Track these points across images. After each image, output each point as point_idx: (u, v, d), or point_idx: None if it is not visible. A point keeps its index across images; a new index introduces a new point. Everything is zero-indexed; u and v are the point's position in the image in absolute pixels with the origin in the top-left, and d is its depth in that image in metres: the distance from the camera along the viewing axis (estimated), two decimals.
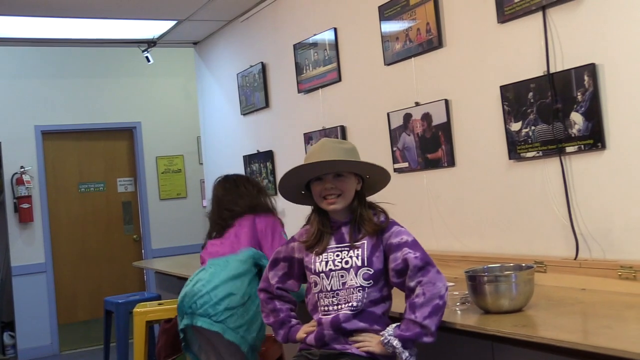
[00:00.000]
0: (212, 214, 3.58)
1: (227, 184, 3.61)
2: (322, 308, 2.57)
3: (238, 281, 3.24)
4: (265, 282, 2.80)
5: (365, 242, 2.53)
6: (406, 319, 2.38)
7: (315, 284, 2.60)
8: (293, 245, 2.73)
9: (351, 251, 2.53)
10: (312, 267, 2.60)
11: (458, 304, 2.67)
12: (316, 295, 2.60)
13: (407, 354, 2.37)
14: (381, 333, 2.43)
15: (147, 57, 6.69)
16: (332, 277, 2.54)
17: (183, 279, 4.86)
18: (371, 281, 2.50)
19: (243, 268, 3.29)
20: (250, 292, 3.23)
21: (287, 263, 2.75)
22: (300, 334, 2.65)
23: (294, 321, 2.73)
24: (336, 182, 2.53)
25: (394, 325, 2.43)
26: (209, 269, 3.32)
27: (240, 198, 3.51)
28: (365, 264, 2.50)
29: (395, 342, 2.37)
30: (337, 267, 2.54)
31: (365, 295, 2.50)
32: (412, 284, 2.41)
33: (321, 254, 2.58)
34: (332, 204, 2.54)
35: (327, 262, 2.57)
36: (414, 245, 2.46)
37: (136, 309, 4.40)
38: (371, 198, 2.66)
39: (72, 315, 7.90)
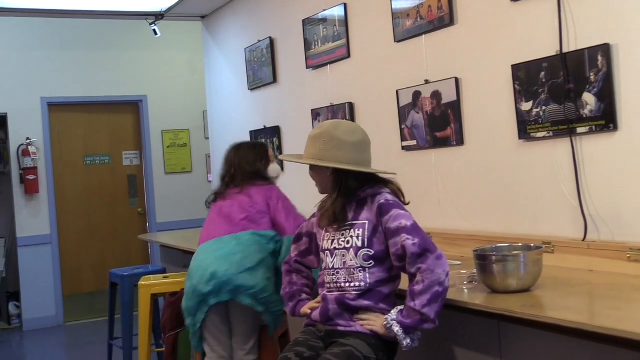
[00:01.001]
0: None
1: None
2: (327, 285, 2.60)
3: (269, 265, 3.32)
4: (289, 255, 2.89)
5: (367, 222, 2.54)
6: (407, 306, 2.40)
7: (322, 261, 2.63)
8: (313, 220, 2.77)
9: (352, 231, 2.55)
10: (321, 244, 2.65)
11: (465, 282, 2.67)
12: (323, 272, 2.63)
13: (408, 340, 2.40)
14: (385, 317, 2.44)
15: (154, 30, 6.66)
16: (335, 255, 2.58)
17: (188, 253, 4.88)
18: (372, 262, 2.51)
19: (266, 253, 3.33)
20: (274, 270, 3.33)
21: (309, 238, 2.80)
22: (305, 309, 2.69)
23: (304, 296, 2.78)
24: (312, 172, 2.67)
25: (397, 308, 2.44)
26: (241, 246, 3.30)
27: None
28: (366, 245, 2.52)
29: (397, 329, 2.39)
30: (340, 247, 2.57)
31: (368, 276, 2.51)
32: (412, 270, 2.42)
33: (329, 231, 2.61)
34: (317, 187, 2.68)
35: (332, 241, 2.60)
36: (413, 230, 2.44)
37: (141, 282, 4.41)
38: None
39: (77, 286, 7.94)
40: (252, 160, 3.52)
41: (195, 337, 3.38)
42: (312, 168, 2.63)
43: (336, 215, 2.56)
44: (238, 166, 3.50)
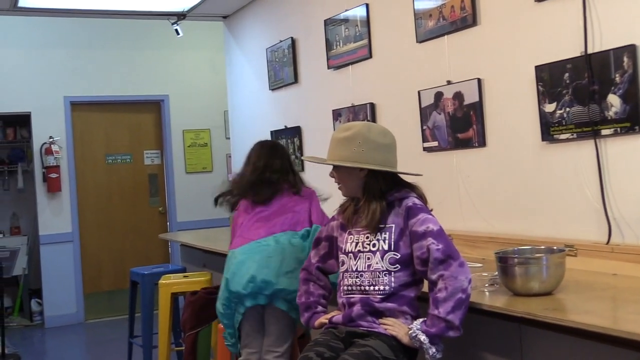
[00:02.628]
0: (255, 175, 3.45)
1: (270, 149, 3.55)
2: (345, 288, 2.58)
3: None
4: (307, 261, 2.87)
5: (394, 226, 2.53)
6: (430, 314, 2.39)
7: (343, 263, 2.63)
8: (332, 224, 2.76)
9: (379, 234, 2.53)
10: (343, 246, 2.63)
11: (487, 285, 2.65)
12: (342, 274, 2.62)
13: (434, 349, 2.38)
14: (409, 326, 2.43)
15: (176, 30, 6.69)
16: (359, 257, 2.56)
17: (208, 252, 4.90)
18: (398, 265, 2.50)
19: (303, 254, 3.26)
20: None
21: (328, 242, 2.79)
22: (320, 322, 2.69)
23: (319, 308, 2.76)
24: (335, 172, 2.65)
25: (420, 320, 2.43)
26: (279, 248, 3.24)
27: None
28: (392, 249, 2.51)
29: (423, 338, 2.37)
30: (365, 249, 2.56)
31: (394, 279, 2.50)
32: (433, 277, 2.41)
33: (352, 234, 2.60)
34: (340, 190, 2.67)
35: (356, 243, 2.59)
36: (439, 235, 2.44)
37: (162, 281, 4.43)
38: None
39: (97, 284, 7.99)
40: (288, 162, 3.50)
41: (233, 339, 3.34)
42: (341, 169, 2.60)
43: (375, 219, 2.54)
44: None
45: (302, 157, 3.00)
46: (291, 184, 3.40)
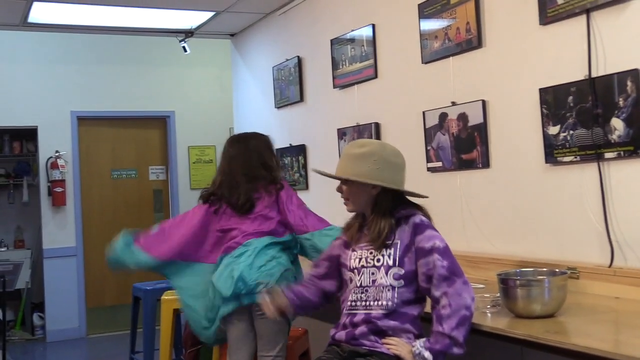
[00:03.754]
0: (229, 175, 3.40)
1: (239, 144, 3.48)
2: (349, 303, 2.58)
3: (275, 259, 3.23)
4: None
5: (399, 242, 2.54)
6: (434, 331, 2.39)
7: (351, 281, 2.62)
8: (335, 243, 2.78)
9: (384, 250, 2.54)
10: (348, 263, 2.64)
11: (489, 306, 2.65)
12: (349, 291, 2.62)
13: None
14: (413, 344, 2.43)
15: (184, 47, 6.73)
16: (363, 273, 2.57)
17: None
18: (402, 281, 2.50)
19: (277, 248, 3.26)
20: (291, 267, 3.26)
21: (328, 262, 2.80)
22: (273, 301, 2.80)
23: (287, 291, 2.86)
24: (344, 187, 2.64)
25: (423, 339, 2.44)
26: (250, 251, 3.23)
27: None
28: (397, 264, 2.51)
29: (427, 354, 2.37)
30: (369, 265, 2.57)
31: (397, 295, 2.50)
32: (437, 293, 2.42)
33: (356, 250, 2.61)
34: (345, 205, 2.66)
35: (360, 259, 2.59)
36: (445, 252, 2.46)
37: (164, 297, 4.43)
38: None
39: (100, 299, 7.98)
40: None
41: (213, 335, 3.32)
42: (352, 185, 2.60)
43: (382, 235, 2.55)
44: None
45: (313, 169, 3.02)
46: (267, 182, 3.35)
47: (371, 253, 2.57)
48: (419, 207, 2.64)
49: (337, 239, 2.79)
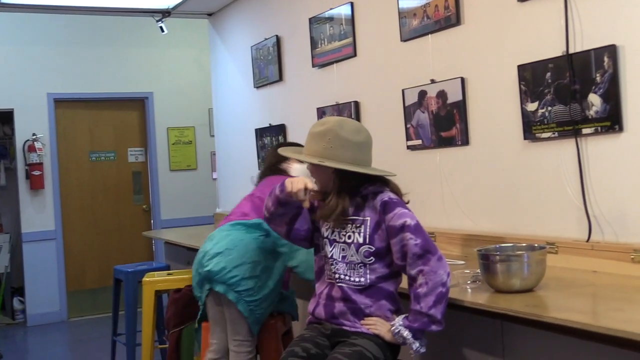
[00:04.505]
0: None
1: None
2: (327, 274, 2.61)
3: (248, 250, 3.23)
4: None
5: (369, 219, 2.54)
6: (412, 309, 2.41)
7: (322, 248, 2.63)
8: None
9: (352, 226, 2.56)
10: (322, 229, 2.64)
11: (469, 282, 2.67)
12: (322, 258, 2.63)
13: (417, 344, 2.41)
14: (391, 323, 2.45)
15: (161, 27, 6.66)
16: (334, 246, 2.59)
17: (192, 250, 4.89)
18: (372, 258, 2.52)
19: (251, 236, 3.26)
20: (264, 264, 3.22)
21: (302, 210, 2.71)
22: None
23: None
24: (313, 168, 2.62)
25: (402, 316, 2.46)
26: (225, 234, 3.28)
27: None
28: (367, 242, 2.53)
29: (406, 333, 2.40)
30: (340, 240, 2.58)
31: (369, 271, 2.52)
32: (412, 272, 2.43)
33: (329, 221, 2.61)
34: (316, 185, 2.62)
35: (333, 231, 2.60)
36: (416, 230, 2.46)
37: (145, 279, 4.42)
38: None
39: (81, 282, 7.96)
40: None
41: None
42: (314, 165, 2.60)
43: (345, 212, 2.55)
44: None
45: (279, 150, 2.99)
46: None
47: (343, 228, 2.58)
48: (387, 182, 2.62)
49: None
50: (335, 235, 2.60)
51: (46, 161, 7.61)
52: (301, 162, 2.94)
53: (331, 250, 2.59)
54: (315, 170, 2.61)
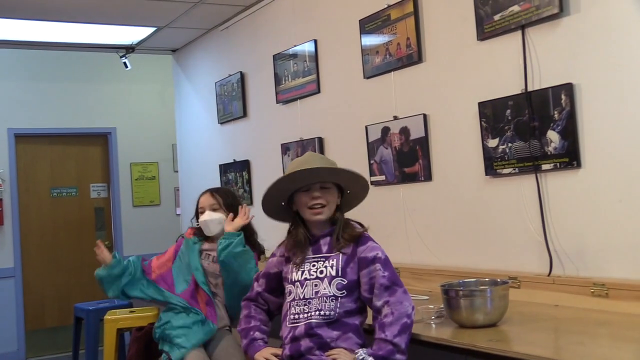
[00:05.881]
0: None
1: None
2: (292, 316, 2.59)
3: None
4: (250, 291, 2.86)
5: (340, 254, 2.57)
6: (377, 338, 2.43)
7: (290, 293, 2.64)
8: (272, 260, 2.77)
9: (326, 261, 2.58)
10: (289, 276, 2.64)
11: (433, 317, 2.68)
12: (288, 304, 2.63)
13: None
14: (356, 351, 2.45)
15: (125, 63, 6.66)
16: (306, 285, 2.59)
17: None
18: (344, 291, 2.53)
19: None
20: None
21: (266, 279, 2.78)
22: (261, 355, 2.63)
23: (258, 335, 2.72)
24: (322, 192, 2.61)
25: (366, 348, 2.46)
26: None
27: None
28: (340, 274, 2.55)
29: None
30: (312, 277, 2.59)
31: (339, 305, 2.52)
32: (378, 303, 2.46)
33: (299, 264, 2.61)
34: (318, 214, 2.61)
35: (303, 272, 2.61)
36: (386, 263, 2.53)
37: (107, 316, 4.36)
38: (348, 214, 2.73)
39: (40, 321, 7.78)
40: None
41: None
42: (324, 187, 2.61)
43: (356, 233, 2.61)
44: None
45: (280, 178, 2.82)
46: None
47: (314, 266, 2.59)
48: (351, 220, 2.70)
49: (272, 256, 2.79)
50: (306, 275, 2.60)
51: (6, 197, 7.47)
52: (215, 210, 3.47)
53: (303, 291, 2.58)
54: (329, 194, 2.62)
